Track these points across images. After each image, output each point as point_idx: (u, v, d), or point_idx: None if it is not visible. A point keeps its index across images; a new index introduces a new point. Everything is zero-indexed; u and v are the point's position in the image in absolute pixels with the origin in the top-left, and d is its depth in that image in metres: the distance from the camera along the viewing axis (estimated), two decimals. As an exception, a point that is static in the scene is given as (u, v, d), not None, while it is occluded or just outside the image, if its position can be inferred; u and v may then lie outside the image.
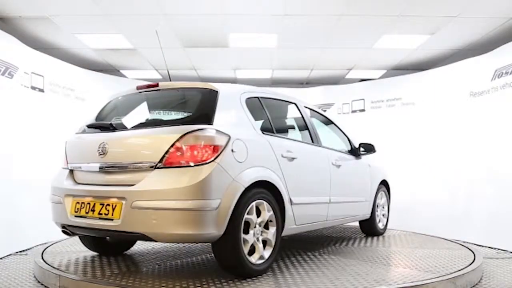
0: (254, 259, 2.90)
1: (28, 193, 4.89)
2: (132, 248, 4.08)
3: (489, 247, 4.97)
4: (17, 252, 4.57)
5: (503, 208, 4.95)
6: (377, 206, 4.94)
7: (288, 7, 4.95)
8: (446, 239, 4.82)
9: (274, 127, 3.46)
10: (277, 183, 3.11)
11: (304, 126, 3.98)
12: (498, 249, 4.87)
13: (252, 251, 2.93)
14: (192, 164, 2.65)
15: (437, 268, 3.24)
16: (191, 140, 2.70)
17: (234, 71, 7.77)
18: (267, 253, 3.01)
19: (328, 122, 4.62)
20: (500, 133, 5.11)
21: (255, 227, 2.93)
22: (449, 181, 5.92)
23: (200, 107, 3.04)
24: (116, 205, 2.73)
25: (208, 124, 2.82)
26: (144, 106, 3.40)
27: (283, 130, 3.84)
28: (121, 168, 2.85)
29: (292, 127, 4.17)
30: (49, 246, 4.27)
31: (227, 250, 2.77)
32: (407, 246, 4.36)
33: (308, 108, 4.21)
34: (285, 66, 7.50)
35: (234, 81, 8.41)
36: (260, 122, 3.40)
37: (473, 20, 5.32)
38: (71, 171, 3.21)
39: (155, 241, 2.68)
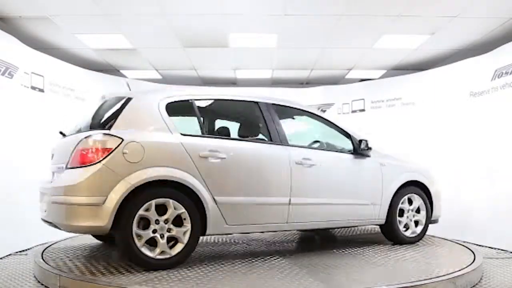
0: (154, 253, 3.10)
1: (28, 193, 4.89)
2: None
3: (489, 247, 4.97)
4: (17, 252, 4.57)
5: (503, 208, 4.95)
6: (405, 211, 4.41)
7: (288, 7, 4.95)
8: (446, 239, 4.82)
9: (207, 128, 3.75)
10: (188, 183, 3.23)
11: (264, 125, 3.86)
12: (498, 249, 4.87)
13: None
14: (82, 165, 3.08)
15: (437, 268, 3.24)
16: (84, 144, 3.13)
17: (234, 71, 7.77)
18: (176, 250, 3.18)
19: (320, 119, 4.34)
20: (500, 133, 5.11)
21: (157, 223, 3.12)
22: (449, 181, 5.91)
23: (109, 114, 3.42)
24: (48, 200, 3.29)
25: (107, 130, 3.18)
26: (93, 113, 3.69)
27: (221, 130, 3.87)
28: (57, 169, 3.42)
29: (239, 126, 4.02)
30: (49, 246, 4.27)
31: (119, 243, 3.14)
32: (405, 246, 4.34)
33: (284, 106, 4.08)
34: (285, 66, 7.50)
35: (234, 81, 8.42)
36: (185, 124, 3.55)
37: (473, 20, 5.32)
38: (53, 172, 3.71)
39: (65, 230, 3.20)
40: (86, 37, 5.94)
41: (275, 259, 3.58)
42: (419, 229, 4.50)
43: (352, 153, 4.22)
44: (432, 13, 5.10)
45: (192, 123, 3.58)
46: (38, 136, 5.16)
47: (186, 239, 3.20)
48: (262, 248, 4.20)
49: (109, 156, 3.04)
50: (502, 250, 4.82)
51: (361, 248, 4.18)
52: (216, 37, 5.98)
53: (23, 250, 4.66)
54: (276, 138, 3.79)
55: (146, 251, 3.08)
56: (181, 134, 3.35)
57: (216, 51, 6.58)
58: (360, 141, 4.23)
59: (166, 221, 3.16)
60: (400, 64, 7.28)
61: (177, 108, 3.53)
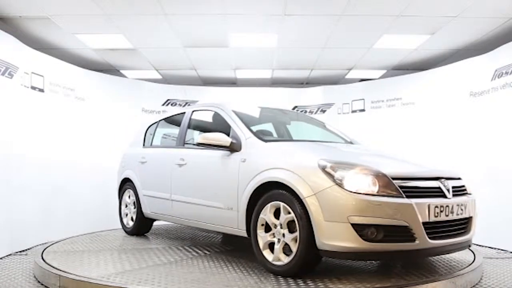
0: (128, 225, 5.09)
1: (28, 193, 4.90)
2: (134, 246, 4.09)
3: (489, 247, 4.97)
4: (17, 252, 4.57)
5: (503, 208, 4.95)
6: (269, 224, 3.09)
7: (288, 7, 4.95)
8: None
9: (154, 141, 5.02)
10: (132, 179, 4.93)
11: (181, 131, 4.44)
12: (498, 249, 4.87)
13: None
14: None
15: (436, 268, 3.24)
16: None
17: (234, 71, 7.77)
18: (131, 223, 5.01)
19: (218, 117, 4.02)
20: (500, 133, 5.11)
21: (129, 204, 5.06)
22: (449, 181, 5.90)
23: None
24: None
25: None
26: None
27: (165, 141, 5.00)
28: None
29: (173, 135, 4.83)
30: (49, 246, 4.28)
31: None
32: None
33: (202, 109, 4.42)
34: (285, 66, 7.50)
35: (234, 81, 8.42)
36: (149, 140, 5.10)
37: (473, 20, 5.32)
38: None
39: None
40: (86, 37, 5.94)
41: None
42: (289, 257, 2.92)
43: (227, 150, 3.57)
44: (432, 13, 5.10)
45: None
46: (38, 136, 5.16)
47: (134, 216, 4.97)
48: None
49: (120, 163, 5.53)
50: (502, 250, 4.82)
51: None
52: (216, 37, 5.98)
53: (23, 250, 4.66)
54: (178, 141, 4.39)
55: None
56: (144, 147, 5.11)
57: (216, 51, 6.58)
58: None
59: (130, 204, 5.10)
60: (400, 64, 7.29)
61: (148, 131, 5.20)
